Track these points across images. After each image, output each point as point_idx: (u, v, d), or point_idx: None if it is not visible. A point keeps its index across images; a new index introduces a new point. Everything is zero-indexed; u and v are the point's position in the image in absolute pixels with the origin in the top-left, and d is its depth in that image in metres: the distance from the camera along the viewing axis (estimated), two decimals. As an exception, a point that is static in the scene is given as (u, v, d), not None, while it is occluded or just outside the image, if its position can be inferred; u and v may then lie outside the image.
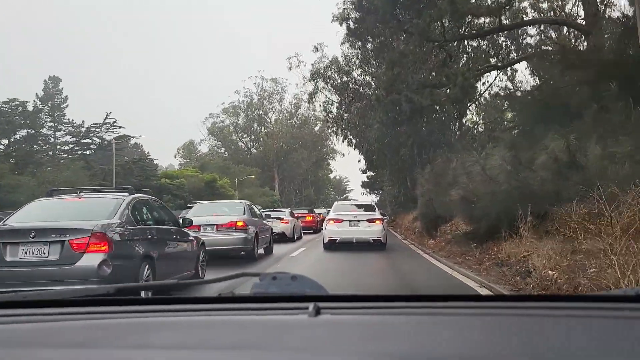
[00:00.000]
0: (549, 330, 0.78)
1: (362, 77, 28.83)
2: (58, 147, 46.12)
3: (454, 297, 1.02)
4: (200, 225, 9.47)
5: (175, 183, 38.25)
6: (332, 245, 11.78)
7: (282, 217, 16.17)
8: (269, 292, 0.99)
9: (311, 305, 0.87)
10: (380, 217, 12.59)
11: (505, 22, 17.87)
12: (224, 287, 1.12)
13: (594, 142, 6.39)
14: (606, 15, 16.35)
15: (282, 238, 15.27)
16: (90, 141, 44.48)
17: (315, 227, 22.05)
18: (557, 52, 14.24)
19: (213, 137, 64.26)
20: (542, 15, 21.62)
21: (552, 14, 21.88)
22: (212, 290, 1.19)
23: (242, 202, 11.44)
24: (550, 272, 4.73)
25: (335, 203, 14.71)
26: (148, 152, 52.51)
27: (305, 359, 0.69)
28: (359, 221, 11.92)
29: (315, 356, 0.69)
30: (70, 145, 45.47)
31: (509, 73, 24.26)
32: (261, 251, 11.17)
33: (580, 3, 20.07)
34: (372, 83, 26.86)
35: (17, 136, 42.67)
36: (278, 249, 12.62)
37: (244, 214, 10.33)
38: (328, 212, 14.39)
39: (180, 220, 6.70)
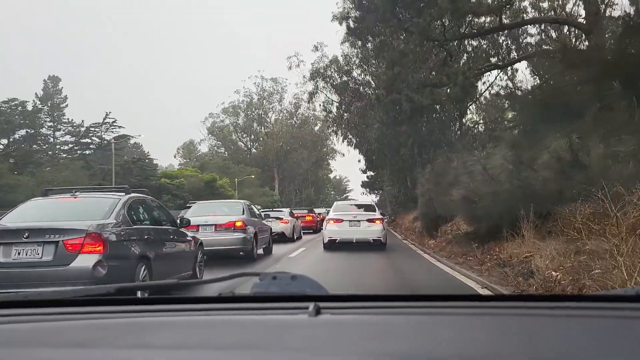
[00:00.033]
0: (549, 330, 0.78)
1: (362, 76, 28.75)
2: (57, 147, 46.06)
3: (454, 297, 1.02)
4: (198, 225, 9.39)
5: (174, 183, 38.18)
6: (332, 245, 11.73)
7: (281, 217, 16.10)
8: (269, 292, 0.99)
9: (311, 305, 0.87)
10: (380, 217, 12.56)
11: (505, 21, 17.81)
12: (224, 286, 1.12)
13: (597, 141, 6.30)
14: (606, 14, 16.29)
15: (281, 238, 15.20)
16: (89, 141, 44.41)
17: (315, 227, 21.99)
18: (559, 51, 14.16)
19: (213, 137, 64.22)
20: (542, 14, 21.55)
21: (553, 13, 21.82)
22: (212, 290, 1.20)
23: (241, 202, 11.36)
24: (553, 273, 4.64)
25: (335, 203, 14.67)
26: (148, 152, 52.52)
27: (305, 358, 0.69)
28: (359, 221, 11.89)
29: (316, 356, 0.69)
30: (70, 145, 45.40)
31: (510, 73, 24.18)
32: (260, 251, 11.09)
33: (580, 2, 20.06)
34: (372, 82, 26.78)
35: (17, 136, 42.60)
36: (277, 249, 12.54)
37: (243, 213, 10.25)
38: (328, 212, 14.35)
39: (178, 221, 6.61)
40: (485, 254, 7.82)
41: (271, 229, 12.49)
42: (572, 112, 8.43)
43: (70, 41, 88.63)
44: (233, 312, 0.96)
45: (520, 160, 7.36)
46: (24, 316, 0.95)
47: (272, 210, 17.93)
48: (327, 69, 30.38)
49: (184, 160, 63.58)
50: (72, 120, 46.84)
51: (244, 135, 64.59)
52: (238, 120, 63.27)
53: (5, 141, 41.45)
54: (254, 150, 64.16)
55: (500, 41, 21.89)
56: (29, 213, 5.10)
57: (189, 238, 6.70)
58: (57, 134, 46.73)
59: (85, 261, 4.36)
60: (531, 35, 22.33)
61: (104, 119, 43.16)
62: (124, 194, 5.45)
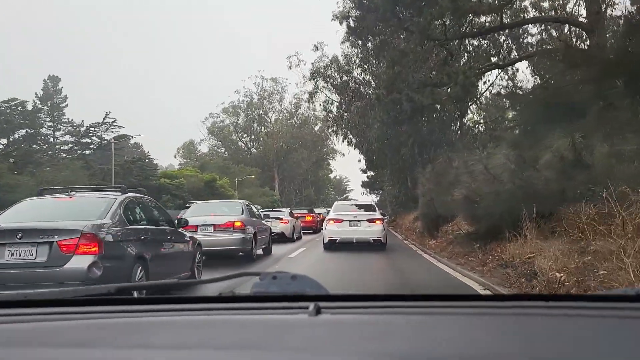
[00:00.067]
0: (549, 330, 0.78)
1: (363, 76, 28.68)
2: (57, 146, 45.99)
3: (454, 296, 1.02)
4: (197, 226, 9.31)
5: (174, 183, 38.11)
6: (332, 246, 11.68)
7: (281, 217, 16.03)
8: (270, 292, 0.98)
9: (311, 305, 0.87)
10: (381, 217, 12.54)
11: (506, 20, 17.74)
12: (224, 286, 1.11)
13: (601, 140, 6.21)
14: (607, 14, 16.24)
15: (281, 238, 15.13)
16: (89, 141, 44.32)
17: (315, 227, 21.92)
18: (561, 50, 14.09)
19: (213, 137, 64.16)
20: (543, 14, 21.48)
21: (553, 13, 21.75)
22: (212, 290, 1.20)
23: (241, 202, 11.28)
24: (557, 274, 4.55)
25: (335, 203, 14.64)
26: (148, 152, 52.43)
27: (305, 358, 0.69)
28: (359, 221, 11.85)
29: (316, 356, 0.69)
30: (70, 145, 45.32)
31: (510, 72, 24.11)
32: (260, 252, 11.01)
33: (581, 2, 19.99)
34: (373, 82, 26.70)
35: (17, 136, 42.54)
36: (277, 249, 12.47)
37: (242, 214, 10.16)
38: (328, 212, 14.31)
39: (176, 221, 6.52)
40: (487, 254, 7.73)
41: (271, 229, 12.41)
42: (574, 111, 8.35)
43: (70, 41, 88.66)
44: (233, 312, 0.96)
45: (522, 159, 7.28)
46: (24, 316, 0.95)
47: (272, 210, 17.85)
48: (327, 68, 30.33)
49: (184, 160, 63.54)
50: (72, 120, 46.84)
51: (244, 135, 64.53)
52: (238, 120, 63.24)
53: (5, 141, 41.40)
54: (254, 150, 64.09)
55: (501, 41, 21.84)
56: (23, 213, 5.01)
57: (186, 238, 6.62)
58: (57, 133, 46.72)
59: (80, 262, 4.28)
60: (532, 35, 22.31)
61: (104, 119, 43.11)
62: (120, 193, 5.36)
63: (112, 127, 43.29)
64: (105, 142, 41.35)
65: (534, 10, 21.91)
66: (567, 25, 20.30)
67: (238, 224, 9.54)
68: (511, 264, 6.25)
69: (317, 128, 59.81)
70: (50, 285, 4.08)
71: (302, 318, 0.85)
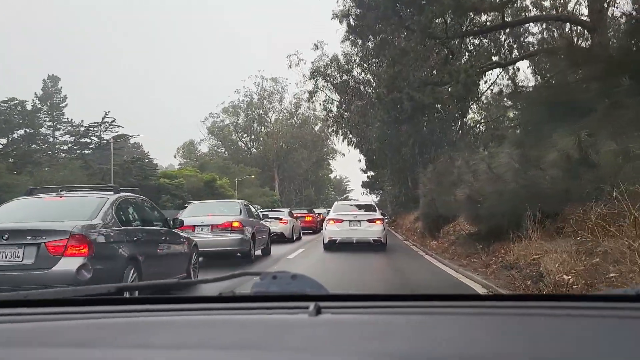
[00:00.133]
0: (550, 330, 0.78)
1: (363, 75, 28.51)
2: (57, 146, 45.84)
3: (454, 296, 1.02)
4: (194, 226, 9.16)
5: (174, 183, 37.96)
6: (332, 246, 11.59)
7: (280, 217, 15.88)
8: (270, 292, 0.99)
9: (312, 305, 0.87)
10: (381, 217, 12.49)
11: (507, 19, 17.60)
12: (224, 286, 1.10)
13: (607, 138, 6.04)
14: (609, 13, 16.11)
15: (280, 239, 14.98)
16: (88, 141, 44.15)
17: (315, 228, 21.79)
18: (564, 48, 13.95)
19: (213, 137, 64.02)
20: (544, 13, 21.34)
21: (555, 12, 21.62)
22: (212, 290, 1.17)
23: (239, 202, 11.11)
24: (565, 276, 4.38)
25: (336, 203, 14.56)
26: (148, 152, 52.27)
27: (305, 358, 0.69)
28: (359, 221, 11.78)
29: (316, 356, 0.69)
30: (69, 145, 45.17)
31: (511, 72, 23.95)
32: (258, 252, 10.86)
33: (582, 1, 19.84)
34: (373, 81, 26.55)
35: (16, 135, 42.38)
36: (276, 250, 12.32)
37: (240, 214, 9.99)
38: (328, 212, 14.23)
39: (171, 221, 6.35)
40: (490, 255, 7.56)
41: (269, 229, 12.26)
42: (578, 109, 8.19)
43: (70, 41, 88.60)
44: (233, 312, 0.96)
45: (526, 158, 7.11)
46: (24, 315, 0.95)
47: (271, 211, 17.72)
48: (328, 67, 30.16)
49: (184, 160, 63.38)
50: (71, 120, 46.69)
51: (244, 135, 64.38)
52: (238, 120, 63.09)
53: (4, 141, 41.26)
54: (254, 150, 63.95)
55: (502, 40, 21.70)
56: (11, 213, 4.83)
57: (182, 239, 6.45)
58: (57, 133, 46.58)
59: (69, 264, 4.11)
60: (533, 35, 22.17)
61: (103, 119, 42.90)
62: (112, 193, 5.19)
63: (111, 126, 43.11)
64: (105, 142, 41.16)
65: (535, 9, 21.77)
66: (568, 24, 20.17)
67: (236, 224, 9.38)
68: (516, 265, 6.08)
69: (317, 128, 59.68)
70: (37, 288, 3.91)
71: (303, 318, 0.85)
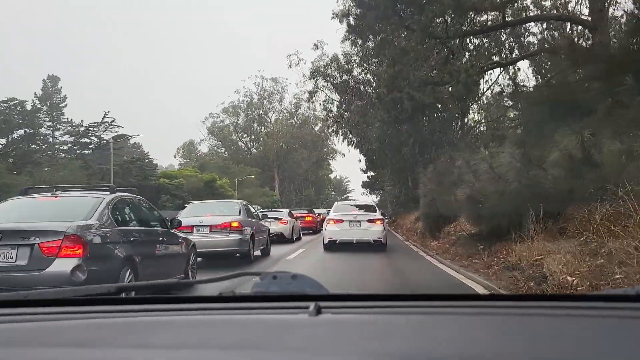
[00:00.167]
0: (549, 330, 0.77)
1: (363, 75, 28.43)
2: (57, 146, 45.77)
3: (454, 296, 1.02)
4: (193, 226, 9.08)
5: (174, 183, 37.88)
6: (332, 246, 11.53)
7: (280, 217, 15.81)
8: (270, 292, 0.99)
9: (312, 305, 0.87)
10: (381, 217, 12.47)
11: (508, 18, 17.54)
12: (224, 286, 1.09)
13: (611, 137, 5.96)
14: (609, 13, 16.07)
15: (280, 239, 14.91)
16: (88, 141, 44.08)
17: (315, 228, 21.72)
18: (566, 48, 13.89)
19: (213, 137, 63.94)
20: (544, 13, 21.28)
21: (555, 12, 21.57)
22: (212, 290, 1.15)
23: (238, 202, 11.03)
24: (569, 277, 4.30)
25: (336, 203, 14.53)
26: (147, 152, 52.19)
27: (305, 358, 0.68)
28: (359, 222, 11.74)
29: (316, 356, 0.69)
30: (69, 145, 45.10)
31: (512, 72, 23.88)
32: (258, 253, 10.78)
33: (582, 1, 19.78)
34: (373, 81, 26.47)
35: (15, 135, 42.30)
36: (276, 250, 12.25)
37: (240, 214, 9.91)
38: (328, 213, 14.18)
39: (169, 222, 6.26)
40: (492, 256, 7.48)
41: (269, 229, 12.18)
42: (580, 109, 8.13)
43: (70, 41, 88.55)
44: (233, 312, 0.96)
45: (528, 158, 7.03)
46: (24, 315, 0.95)
47: (271, 211, 17.65)
48: (328, 67, 30.08)
49: (184, 160, 63.30)
50: (71, 120, 46.64)
51: (244, 135, 64.31)
52: (238, 120, 63.02)
53: (4, 141, 41.20)
54: (254, 150, 63.87)
55: (503, 39, 21.64)
56: (4, 213, 4.74)
57: (180, 240, 6.37)
58: (56, 133, 46.53)
59: (63, 265, 4.03)
60: (534, 34, 22.11)
61: (103, 119, 42.84)
62: (108, 193, 5.11)
63: (111, 126, 43.04)
64: (104, 142, 41.09)
65: (535, 9, 21.71)
66: (569, 24, 20.12)
67: (235, 224, 9.30)
68: (518, 266, 5.99)
69: (317, 128, 59.61)
70: (31, 290, 3.83)
71: (303, 318, 0.85)
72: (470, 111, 26.02)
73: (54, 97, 47.33)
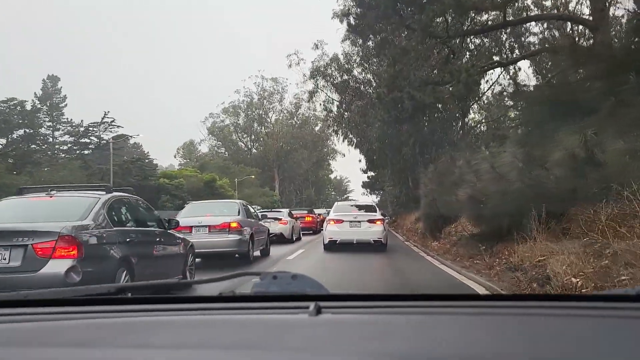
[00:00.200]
0: (549, 330, 0.77)
1: (363, 75, 28.35)
2: (56, 146, 45.70)
3: (454, 296, 1.02)
4: (191, 227, 9.00)
5: (173, 183, 37.81)
6: (333, 246, 11.47)
7: (280, 217, 15.74)
8: (270, 292, 0.99)
9: (312, 305, 0.87)
10: (381, 217, 12.46)
11: (509, 18, 17.48)
12: (224, 286, 1.09)
13: (615, 137, 5.88)
14: (610, 13, 16.03)
15: (280, 239, 14.83)
16: (88, 141, 44.02)
17: (315, 228, 21.65)
18: (567, 47, 13.83)
19: (213, 137, 63.89)
20: (545, 12, 21.21)
21: (556, 11, 21.51)
22: (212, 290, 1.13)
23: (237, 202, 10.95)
24: (573, 279, 4.22)
25: (336, 203, 14.49)
26: (147, 152, 52.10)
27: (305, 358, 0.69)
28: (359, 222, 11.70)
29: (316, 355, 0.69)
30: (69, 145, 45.03)
31: (512, 72, 23.81)
32: (257, 253, 10.71)
33: (583, 1, 19.71)
34: (373, 81, 26.40)
35: (15, 136, 42.22)
36: (275, 250, 12.18)
37: (239, 214, 9.83)
38: (328, 213, 14.14)
39: (166, 222, 6.18)
40: (493, 257, 7.39)
41: (269, 230, 12.10)
42: (582, 108, 8.05)
43: (70, 41, 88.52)
44: (233, 312, 0.96)
45: (530, 157, 6.95)
46: (24, 315, 0.95)
47: (271, 211, 17.59)
48: (328, 67, 29.99)
49: (184, 160, 63.25)
50: (71, 120, 46.55)
51: (244, 136, 64.25)
52: (238, 120, 62.96)
53: (3, 141, 41.13)
54: (254, 150, 63.80)
55: (503, 39, 21.57)
56: (-2, 213, 4.68)
57: (177, 240, 6.29)
58: (56, 133, 46.44)
59: (57, 267, 3.95)
60: (534, 34, 22.04)
61: (103, 119, 42.78)
62: (104, 193, 5.02)
63: (110, 126, 42.98)
64: (104, 142, 41.03)
65: (536, 8, 21.65)
66: (569, 24, 20.06)
67: (234, 224, 9.22)
68: (520, 267, 5.91)
69: (317, 128, 59.54)
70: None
71: (303, 318, 0.85)
72: (471, 111, 25.96)
73: (53, 97, 47.28)
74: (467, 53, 20.77)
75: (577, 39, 18.99)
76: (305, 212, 24.06)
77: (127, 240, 4.82)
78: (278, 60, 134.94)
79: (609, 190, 5.22)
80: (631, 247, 4.00)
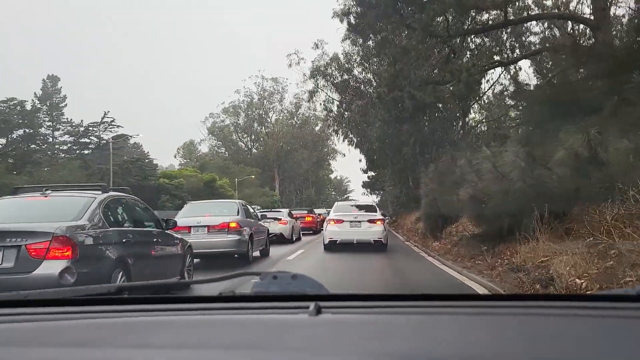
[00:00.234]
0: (549, 330, 0.77)
1: (363, 74, 28.28)
2: (56, 146, 45.65)
3: (454, 296, 1.02)
4: (190, 227, 8.93)
5: (173, 183, 37.75)
6: (333, 246, 11.41)
7: (280, 217, 15.67)
8: (270, 292, 0.99)
9: (312, 305, 0.87)
10: (381, 217, 12.43)
11: (510, 17, 17.42)
12: (224, 286, 1.08)
13: (618, 136, 5.80)
14: (611, 12, 15.97)
15: (280, 240, 14.76)
16: (88, 140, 43.96)
17: (315, 228, 21.59)
18: (569, 46, 13.77)
19: (213, 137, 63.83)
20: (545, 12, 21.14)
21: (557, 11, 21.44)
22: (212, 290, 1.11)
23: (236, 202, 10.88)
24: (578, 280, 4.14)
25: (336, 203, 14.45)
26: (148, 152, 52.03)
27: (305, 358, 0.69)
28: (359, 222, 11.66)
29: (316, 355, 0.69)
30: (69, 145, 44.97)
31: (513, 71, 23.74)
32: (256, 254, 10.63)
33: (583, 0, 19.65)
34: (374, 81, 26.34)
35: (15, 135, 42.15)
36: (275, 251, 12.11)
37: (238, 214, 9.76)
38: (328, 213, 14.09)
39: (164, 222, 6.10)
40: (495, 257, 7.31)
41: (268, 230, 12.03)
42: (584, 107, 7.98)
43: (70, 41, 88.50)
44: (233, 312, 0.96)
45: (532, 157, 6.87)
46: (24, 315, 0.95)
47: (270, 211, 17.52)
48: (328, 67, 29.91)
49: (185, 160, 63.19)
50: (71, 120, 46.50)
51: (245, 136, 64.18)
52: (238, 120, 62.90)
53: (3, 141, 41.06)
54: (254, 150, 63.74)
55: (504, 38, 21.51)
56: (-8, 214, 4.60)
57: (175, 241, 6.21)
58: (56, 133, 46.38)
59: (51, 268, 3.87)
60: (535, 34, 21.98)
61: (102, 119, 42.72)
62: (100, 192, 4.94)
63: (110, 126, 42.91)
64: (104, 142, 40.96)
65: (537, 8, 21.58)
66: (570, 23, 20.00)
67: (233, 224, 9.14)
68: (523, 268, 5.83)
69: (317, 128, 59.48)
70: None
71: (303, 318, 0.85)
72: (472, 111, 25.91)
73: (53, 97, 47.22)
74: (468, 52, 20.71)
75: (578, 38, 18.92)
76: (305, 212, 24.00)
77: (124, 240, 4.75)
78: (278, 60, 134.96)
79: (612, 189, 5.14)
80: (637, 248, 3.92)
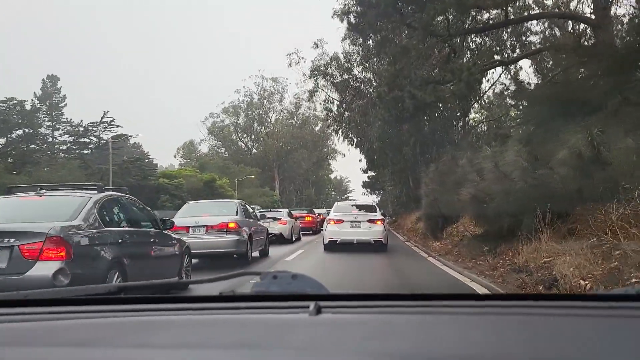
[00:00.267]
0: (549, 330, 0.77)
1: (363, 74, 28.21)
2: (56, 146, 45.58)
3: (454, 296, 1.01)
4: (188, 227, 8.85)
5: (173, 183, 37.67)
6: (333, 246, 11.35)
7: (279, 217, 15.59)
8: (270, 291, 0.99)
9: (312, 304, 0.87)
10: (381, 217, 12.39)
11: (510, 17, 17.36)
12: (224, 286, 1.07)
13: (621, 135, 5.73)
14: (612, 12, 15.92)
15: (279, 240, 14.69)
16: (87, 140, 43.88)
17: (315, 228, 21.52)
18: (571, 44, 13.71)
19: (213, 137, 63.76)
20: (546, 11, 21.08)
21: (557, 10, 21.38)
22: (212, 290, 1.10)
23: (235, 202, 10.80)
24: (582, 281, 4.06)
25: (336, 203, 14.40)
26: (147, 152, 51.94)
27: (306, 358, 0.69)
28: (359, 222, 11.60)
29: (316, 355, 0.69)
30: (68, 145, 44.90)
31: (513, 71, 23.68)
32: (256, 254, 10.55)
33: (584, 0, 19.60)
34: (374, 80, 26.26)
35: (14, 135, 42.07)
36: (275, 251, 12.04)
37: (237, 214, 9.68)
38: (328, 213, 14.04)
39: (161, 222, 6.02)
40: (497, 258, 7.23)
41: (267, 230, 11.96)
42: (585, 107, 7.91)
43: (70, 41, 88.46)
44: (234, 312, 0.96)
45: (534, 157, 6.80)
46: (24, 315, 0.95)
47: (270, 211, 17.45)
48: (328, 66, 29.82)
49: (184, 160, 63.11)
50: (70, 119, 46.40)
51: (245, 135, 64.11)
52: (238, 120, 62.83)
53: (3, 141, 40.98)
54: (254, 150, 63.66)
55: (505, 38, 21.46)
56: (-16, 214, 4.52)
57: (173, 241, 6.13)
58: (56, 133, 46.28)
59: (44, 269, 3.79)
60: (535, 34, 21.93)
61: (102, 118, 42.64)
62: (96, 192, 4.87)
63: (110, 126, 42.83)
64: (104, 141, 40.89)
65: (537, 7, 21.51)
66: (570, 23, 19.95)
67: (232, 224, 9.06)
68: (526, 268, 5.74)
69: (317, 128, 59.42)
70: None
71: (303, 317, 0.85)
72: (472, 110, 25.84)
73: (53, 97, 47.14)
74: (468, 52, 20.65)
75: (579, 37, 18.87)
76: (305, 212, 23.94)
77: (120, 241, 4.67)
78: (278, 60, 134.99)
79: (616, 189, 5.07)
80: (643, 249, 3.85)
